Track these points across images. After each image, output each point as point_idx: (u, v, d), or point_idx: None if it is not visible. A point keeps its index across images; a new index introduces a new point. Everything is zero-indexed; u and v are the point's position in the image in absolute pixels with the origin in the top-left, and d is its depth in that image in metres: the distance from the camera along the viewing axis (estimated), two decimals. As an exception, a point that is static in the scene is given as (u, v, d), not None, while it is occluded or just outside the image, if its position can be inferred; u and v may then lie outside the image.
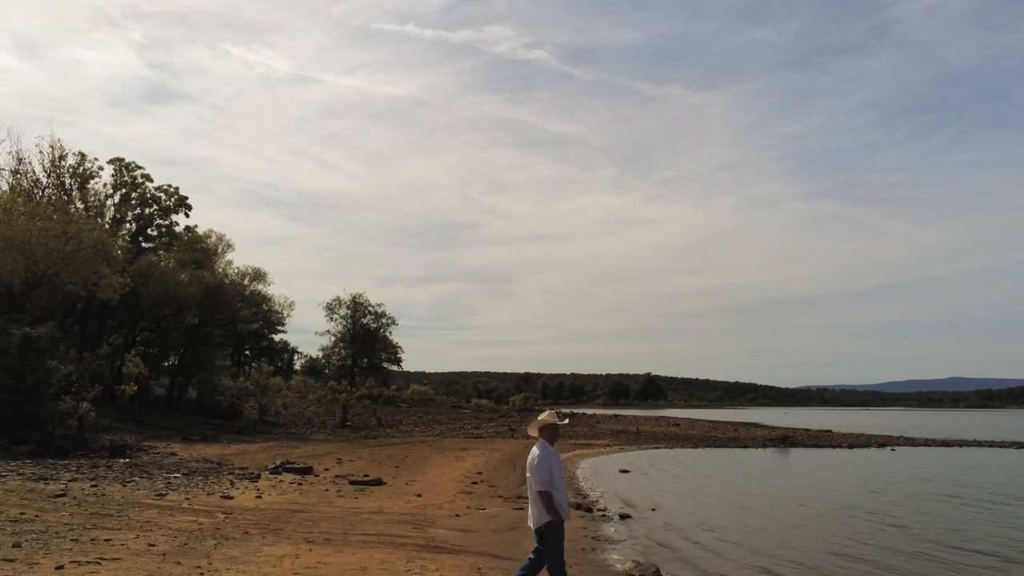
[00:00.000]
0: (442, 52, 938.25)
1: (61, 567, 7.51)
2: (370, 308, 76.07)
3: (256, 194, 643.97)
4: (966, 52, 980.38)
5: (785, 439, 42.80)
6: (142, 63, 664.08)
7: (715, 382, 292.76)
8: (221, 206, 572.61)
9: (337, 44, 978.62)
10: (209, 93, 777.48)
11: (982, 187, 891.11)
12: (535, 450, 6.94)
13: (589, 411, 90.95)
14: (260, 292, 43.56)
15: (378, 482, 17.68)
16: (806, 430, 54.59)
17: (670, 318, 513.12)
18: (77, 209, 32.67)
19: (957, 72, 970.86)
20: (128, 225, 38.50)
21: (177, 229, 40.80)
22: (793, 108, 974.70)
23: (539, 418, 7.16)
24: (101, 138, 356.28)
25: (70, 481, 14.35)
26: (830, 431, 53.71)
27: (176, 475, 16.62)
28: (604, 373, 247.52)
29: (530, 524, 6.90)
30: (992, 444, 41.51)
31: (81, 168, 34.61)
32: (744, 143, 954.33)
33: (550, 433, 7.04)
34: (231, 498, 13.73)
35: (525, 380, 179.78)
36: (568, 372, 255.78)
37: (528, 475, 6.97)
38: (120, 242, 34.21)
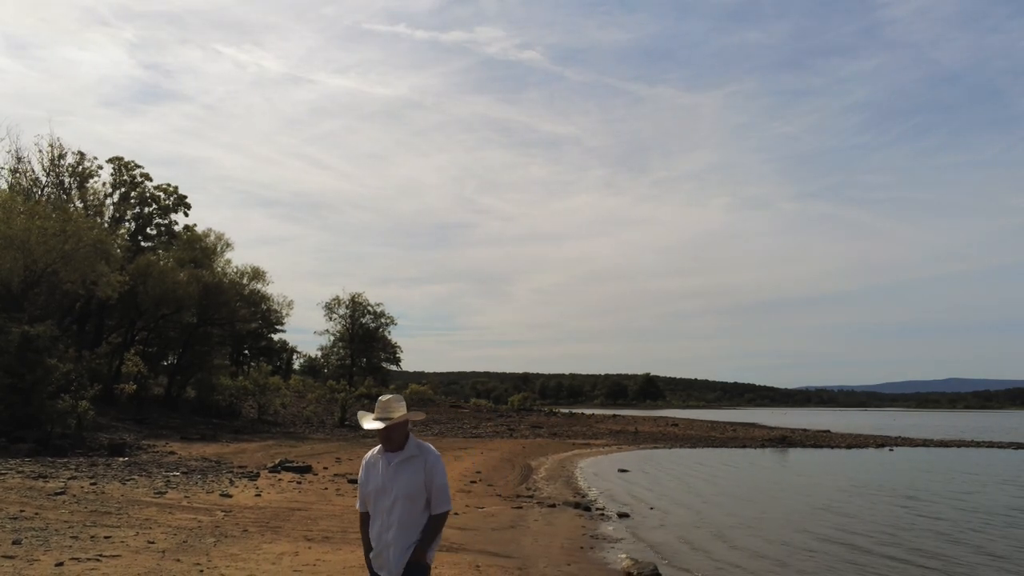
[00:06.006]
0: (434, 52, 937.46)
1: (61, 564, 7.52)
2: (369, 308, 76.00)
3: (250, 194, 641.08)
4: (957, 53, 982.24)
5: (784, 439, 42.85)
6: (134, 63, 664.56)
7: (713, 382, 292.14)
8: (215, 206, 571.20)
9: (328, 44, 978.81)
10: (202, 93, 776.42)
11: (974, 189, 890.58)
12: (430, 450, 4.39)
13: (588, 411, 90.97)
14: (259, 291, 43.55)
15: (377, 481, 17.66)
16: (805, 430, 54.62)
17: (666, 318, 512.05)
18: (76, 208, 32.63)
19: (948, 73, 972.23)
20: (127, 224, 38.48)
21: (176, 228, 40.82)
22: (784, 109, 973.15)
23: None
24: (94, 138, 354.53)
25: (69, 479, 14.34)
26: (829, 431, 53.74)
27: (175, 473, 16.62)
28: (602, 373, 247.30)
29: (380, 572, 4.12)
30: (991, 445, 41.60)
31: (80, 167, 34.61)
32: (736, 144, 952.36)
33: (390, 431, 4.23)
34: (230, 496, 13.73)
35: (524, 380, 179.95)
36: (567, 372, 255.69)
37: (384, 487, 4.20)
38: (119, 241, 34.11)
